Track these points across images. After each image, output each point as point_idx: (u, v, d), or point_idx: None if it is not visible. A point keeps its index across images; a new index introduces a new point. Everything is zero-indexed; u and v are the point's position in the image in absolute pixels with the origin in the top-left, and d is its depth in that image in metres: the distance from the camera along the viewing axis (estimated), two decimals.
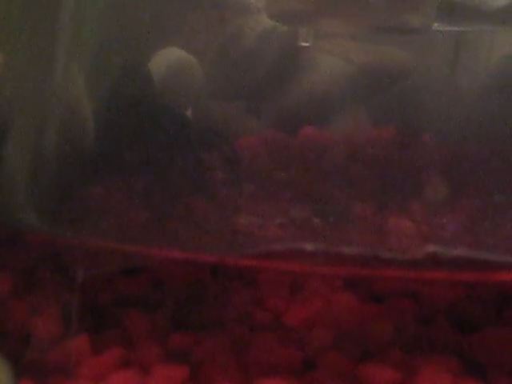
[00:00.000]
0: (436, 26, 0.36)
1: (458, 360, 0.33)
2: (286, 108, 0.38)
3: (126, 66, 0.38)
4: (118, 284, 0.36)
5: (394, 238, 0.34)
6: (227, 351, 0.33)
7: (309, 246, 0.33)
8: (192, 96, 0.38)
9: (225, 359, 0.33)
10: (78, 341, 0.33)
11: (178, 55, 0.38)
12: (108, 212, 0.37)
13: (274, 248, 0.34)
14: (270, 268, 0.36)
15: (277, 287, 0.36)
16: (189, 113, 0.39)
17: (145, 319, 0.35)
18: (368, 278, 0.35)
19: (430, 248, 0.33)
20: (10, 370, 0.30)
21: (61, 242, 0.36)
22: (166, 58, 0.38)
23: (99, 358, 0.33)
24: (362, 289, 0.35)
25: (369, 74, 0.37)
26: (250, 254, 0.34)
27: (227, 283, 0.36)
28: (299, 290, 0.35)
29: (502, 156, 0.37)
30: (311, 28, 0.36)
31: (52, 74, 0.36)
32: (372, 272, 0.35)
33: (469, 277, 0.34)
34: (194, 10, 0.38)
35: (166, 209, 0.36)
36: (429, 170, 0.36)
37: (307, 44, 0.37)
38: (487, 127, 0.37)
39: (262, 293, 0.35)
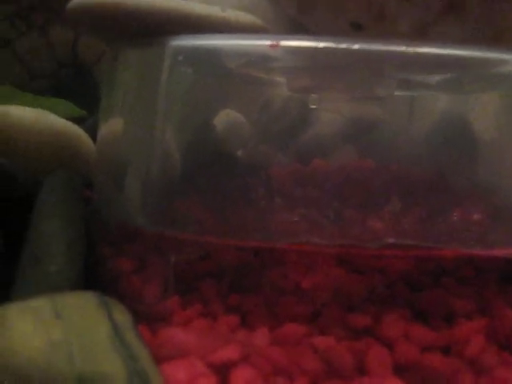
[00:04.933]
0: (396, 93, 0.37)
1: (409, 311, 0.35)
2: (301, 148, 0.39)
3: (198, 125, 0.40)
4: (196, 264, 0.38)
5: (370, 232, 0.36)
6: (264, 306, 0.36)
7: (316, 236, 0.35)
8: (241, 142, 0.39)
9: (262, 312, 0.35)
10: (172, 300, 0.35)
11: (232, 115, 0.39)
12: (190, 216, 0.38)
13: (295, 238, 0.36)
14: (292, 251, 0.37)
15: (296, 265, 0.38)
16: (239, 153, 0.41)
17: (213, 286, 0.37)
18: (352, 257, 0.37)
19: (390, 239, 0.35)
20: (131, 318, 0.30)
21: (162, 236, 0.38)
22: (224, 117, 0.40)
23: (185, 311, 0.35)
24: (349, 265, 0.37)
25: (355, 125, 0.39)
26: (279, 241, 0.36)
27: (264, 262, 0.38)
28: (309, 266, 0.37)
29: (440, 177, 0.39)
30: (317, 96, 0.38)
31: (154, 133, 0.37)
32: (355, 253, 0.36)
33: (416, 254, 0.36)
34: (242, 85, 0.40)
35: (226, 214, 0.38)
36: (395, 187, 0.37)
37: (315, 106, 0.38)
38: (431, 158, 0.39)
39: (287, 268, 0.37)
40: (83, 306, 0.29)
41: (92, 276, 0.37)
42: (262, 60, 0.37)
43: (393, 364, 0.31)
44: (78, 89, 0.73)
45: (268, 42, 0.33)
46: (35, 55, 0.72)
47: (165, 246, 0.38)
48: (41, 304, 0.29)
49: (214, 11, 0.36)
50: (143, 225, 0.37)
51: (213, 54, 0.37)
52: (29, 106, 0.45)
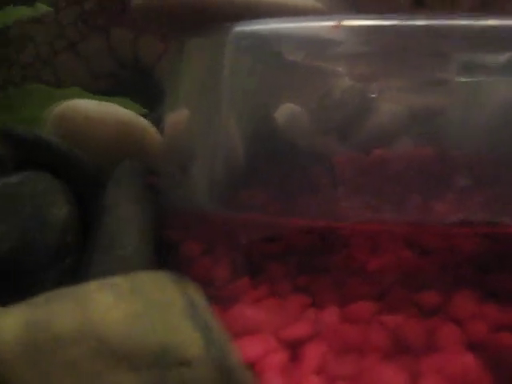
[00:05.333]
0: (457, 78, 0.36)
1: (480, 291, 0.34)
2: (362, 137, 0.38)
3: (261, 117, 0.39)
4: (264, 245, 0.39)
5: (436, 212, 0.35)
6: (332, 287, 0.36)
7: (382, 217, 0.35)
8: (301, 133, 0.39)
9: (330, 292, 0.36)
10: (242, 281, 0.36)
11: (292, 108, 0.39)
12: (256, 199, 0.38)
13: (359, 219, 0.35)
14: (357, 232, 0.38)
15: (362, 246, 0.38)
16: (301, 142, 0.39)
17: (281, 267, 0.37)
18: (419, 238, 0.37)
19: (458, 216, 0.34)
20: (204, 296, 0.31)
21: (230, 219, 0.38)
22: (285, 110, 0.39)
23: (255, 291, 0.35)
24: (416, 246, 0.37)
25: (414, 113, 0.37)
26: (344, 223, 0.36)
27: (330, 244, 0.38)
28: (376, 248, 0.38)
29: (502, 161, 0.38)
30: (377, 85, 0.37)
31: (218, 121, 0.38)
32: (422, 231, 0.36)
33: (483, 232, 0.35)
34: (302, 74, 0.39)
35: (291, 199, 0.38)
36: (455, 172, 0.36)
37: (374, 95, 0.37)
38: (492, 145, 0.37)
39: (353, 250, 0.38)
40: (159, 283, 0.30)
41: (161, 260, 0.38)
42: (323, 44, 0.37)
43: (465, 342, 0.31)
44: (139, 88, 0.75)
45: (331, 23, 0.33)
46: (97, 57, 0.74)
47: (233, 229, 0.38)
48: (118, 281, 0.30)
49: None
50: (211, 209, 0.38)
51: (275, 37, 0.37)
52: None
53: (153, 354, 0.26)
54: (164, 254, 0.38)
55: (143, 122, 0.45)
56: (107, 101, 0.66)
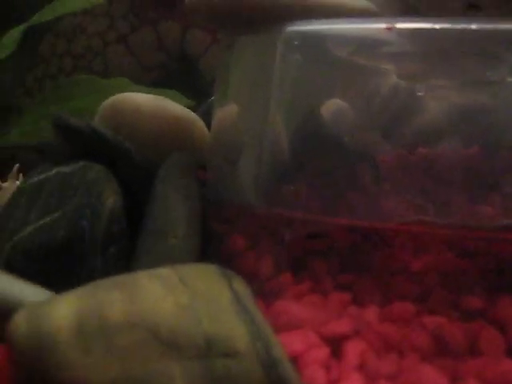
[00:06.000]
0: (509, 79, 0.36)
1: None
2: (408, 135, 0.38)
3: (306, 112, 0.39)
4: (307, 242, 0.39)
5: (481, 215, 0.35)
6: (374, 285, 0.36)
7: (426, 219, 0.34)
8: (347, 129, 0.38)
9: (372, 290, 0.36)
10: (285, 276, 0.36)
11: (338, 103, 0.39)
12: (300, 196, 0.38)
13: (403, 219, 0.35)
14: (400, 232, 0.38)
15: (405, 247, 0.38)
16: (346, 140, 0.39)
17: (324, 264, 0.37)
18: (463, 241, 0.36)
19: (504, 221, 0.34)
20: (249, 289, 0.31)
21: (273, 214, 0.38)
22: (331, 106, 0.39)
23: (297, 286, 0.36)
24: (459, 249, 0.37)
25: (462, 113, 0.37)
26: (388, 223, 0.36)
27: (373, 242, 0.38)
28: (419, 249, 0.37)
29: None
30: (424, 83, 0.37)
31: (267, 118, 0.38)
32: (467, 235, 0.36)
33: None
34: (350, 72, 0.39)
35: (335, 198, 0.38)
36: (504, 174, 0.36)
37: (421, 94, 0.37)
38: None
39: (396, 250, 0.38)
40: (206, 276, 0.30)
41: (207, 251, 0.39)
42: (374, 45, 0.37)
43: (506, 347, 0.31)
44: (186, 80, 0.76)
45: (383, 25, 0.33)
46: (147, 49, 0.76)
47: (277, 224, 0.39)
48: (167, 272, 0.30)
49: None
50: (256, 204, 0.38)
51: (327, 38, 0.37)
52: None
53: (199, 346, 0.26)
54: (209, 246, 0.39)
55: (193, 116, 0.46)
56: (155, 92, 0.67)
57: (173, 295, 0.28)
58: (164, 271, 0.31)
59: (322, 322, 0.32)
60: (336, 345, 0.31)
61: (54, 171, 0.41)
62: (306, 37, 0.38)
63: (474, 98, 0.37)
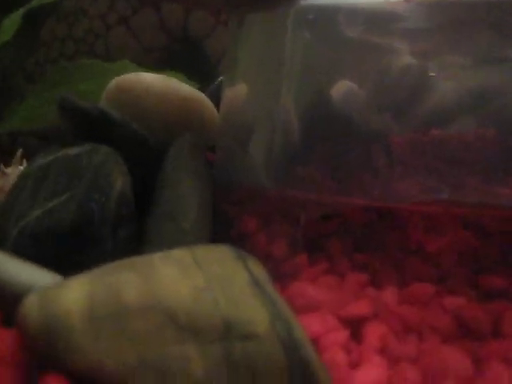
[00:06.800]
0: None
1: None
2: (419, 117, 0.37)
3: (317, 94, 0.39)
4: (321, 222, 0.38)
5: (496, 194, 0.34)
6: (390, 266, 0.36)
7: (442, 196, 0.34)
8: (357, 110, 0.38)
9: (389, 271, 0.35)
10: (300, 258, 0.36)
11: (347, 85, 0.38)
12: (313, 179, 0.38)
13: (417, 199, 0.35)
14: (415, 212, 0.37)
15: (420, 226, 0.37)
16: (358, 120, 0.39)
17: (338, 245, 0.37)
18: (479, 220, 0.36)
19: None
20: (265, 270, 0.30)
21: (286, 196, 0.38)
22: (340, 87, 0.38)
23: (313, 268, 0.35)
24: (474, 228, 0.36)
25: (475, 93, 0.36)
26: (402, 203, 0.35)
27: (388, 223, 0.38)
28: (435, 228, 0.37)
29: None
30: (436, 62, 0.36)
31: (277, 98, 0.38)
32: (485, 213, 0.35)
33: None
34: (361, 52, 0.38)
35: (347, 178, 0.37)
36: None
37: (433, 74, 0.37)
38: None
39: (411, 230, 0.37)
40: (220, 257, 0.30)
41: (218, 234, 0.38)
42: (388, 19, 0.36)
43: None
44: (189, 62, 0.75)
45: None
46: (149, 31, 0.74)
47: (290, 205, 0.38)
48: (182, 254, 0.30)
49: None
50: (268, 186, 0.38)
51: (336, 12, 0.36)
52: None
53: (218, 328, 0.25)
54: (220, 228, 0.38)
55: (202, 97, 0.45)
56: (159, 73, 0.66)
57: (189, 277, 0.27)
58: (178, 253, 0.30)
59: (340, 303, 0.31)
60: (355, 327, 0.30)
61: (60, 153, 0.40)
62: (317, 11, 0.37)
63: (489, 77, 0.36)
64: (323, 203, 0.37)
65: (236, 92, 0.41)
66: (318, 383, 0.25)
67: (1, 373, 0.25)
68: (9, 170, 0.58)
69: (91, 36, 0.75)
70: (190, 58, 0.74)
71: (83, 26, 0.76)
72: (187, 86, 0.44)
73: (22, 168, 0.58)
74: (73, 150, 0.41)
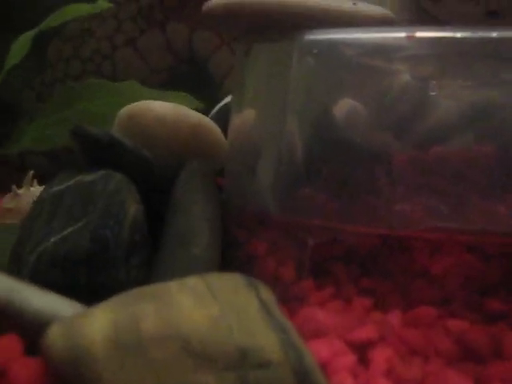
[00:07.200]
0: None
1: None
2: (420, 134, 0.38)
3: (320, 113, 0.39)
4: (327, 247, 0.39)
5: (497, 218, 0.35)
6: (395, 290, 0.37)
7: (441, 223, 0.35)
8: (359, 129, 0.38)
9: (394, 295, 0.36)
10: (306, 282, 0.37)
11: (350, 103, 0.39)
12: (316, 203, 0.38)
13: (420, 224, 0.35)
14: (418, 237, 0.38)
15: (424, 250, 0.38)
16: (359, 141, 0.39)
17: (345, 270, 0.38)
18: (482, 244, 0.37)
19: None
20: (274, 297, 0.31)
21: (292, 221, 0.39)
22: (343, 106, 0.39)
23: (320, 293, 0.36)
24: (478, 252, 0.37)
25: (474, 111, 0.37)
26: (406, 228, 0.36)
27: (392, 248, 0.39)
28: (439, 252, 0.38)
29: None
30: (436, 83, 0.37)
31: (283, 125, 0.38)
32: (484, 239, 0.35)
33: None
34: (361, 76, 0.39)
35: (349, 201, 0.38)
36: None
37: (434, 93, 0.37)
38: None
39: (415, 254, 0.38)
40: (233, 285, 0.31)
41: (226, 258, 0.39)
42: (394, 51, 0.37)
43: None
44: (194, 82, 0.76)
45: (403, 34, 0.33)
46: (155, 51, 0.76)
47: (297, 230, 0.39)
48: (196, 282, 0.31)
49: (345, 5, 0.37)
50: (274, 211, 0.38)
51: (345, 47, 0.37)
52: (153, 100, 0.48)
53: (232, 356, 0.26)
54: (230, 253, 0.39)
55: (211, 123, 0.46)
56: (167, 95, 0.67)
57: (204, 306, 0.28)
58: (192, 281, 0.31)
59: (347, 328, 0.32)
60: (362, 351, 0.31)
61: (74, 180, 0.41)
62: (322, 45, 0.38)
63: (487, 97, 0.37)
64: (328, 228, 0.38)
65: (243, 118, 0.43)
66: None
67: None
68: (21, 191, 0.59)
69: (98, 56, 0.77)
70: (195, 79, 0.76)
71: (90, 46, 0.77)
72: (195, 112, 0.45)
73: (33, 189, 0.60)
74: (87, 177, 0.42)
